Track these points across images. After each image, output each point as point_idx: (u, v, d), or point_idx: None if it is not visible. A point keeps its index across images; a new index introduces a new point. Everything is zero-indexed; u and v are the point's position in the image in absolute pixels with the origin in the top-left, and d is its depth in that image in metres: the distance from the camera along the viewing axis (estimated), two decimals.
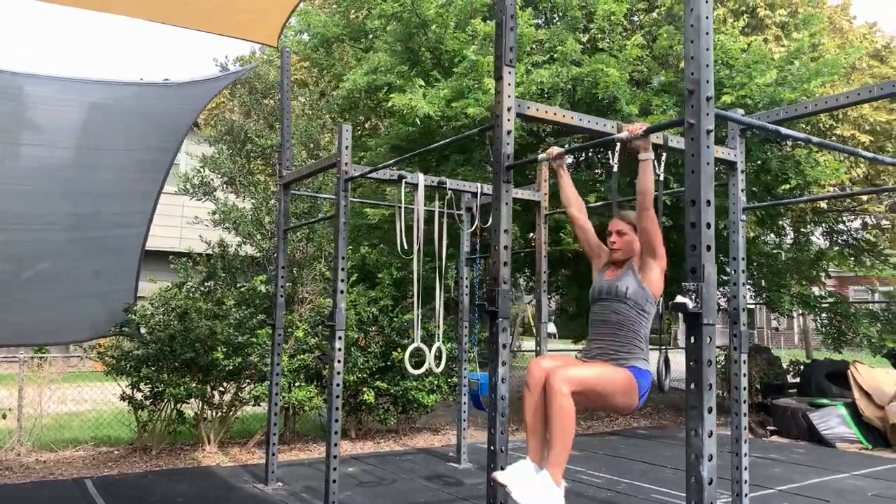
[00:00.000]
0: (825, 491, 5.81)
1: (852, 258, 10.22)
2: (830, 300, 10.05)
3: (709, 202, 2.48)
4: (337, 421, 4.78)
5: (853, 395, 8.49)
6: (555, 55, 7.23)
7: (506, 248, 3.33)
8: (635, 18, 8.65)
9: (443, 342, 5.27)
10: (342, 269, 4.89)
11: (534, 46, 7.52)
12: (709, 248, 2.46)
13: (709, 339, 2.43)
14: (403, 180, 5.17)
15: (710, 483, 2.38)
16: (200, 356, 6.70)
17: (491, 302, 3.34)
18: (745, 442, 4.32)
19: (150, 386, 6.71)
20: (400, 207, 5.17)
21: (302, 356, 7.16)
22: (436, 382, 7.92)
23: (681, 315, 2.49)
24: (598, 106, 7.39)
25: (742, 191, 4.48)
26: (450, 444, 7.77)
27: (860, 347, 9.83)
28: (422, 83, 7.04)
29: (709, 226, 2.47)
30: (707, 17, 2.55)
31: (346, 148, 4.99)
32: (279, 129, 7.66)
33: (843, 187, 8.52)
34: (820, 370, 10.09)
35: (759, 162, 7.61)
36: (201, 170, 7.60)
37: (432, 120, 6.98)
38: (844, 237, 10.46)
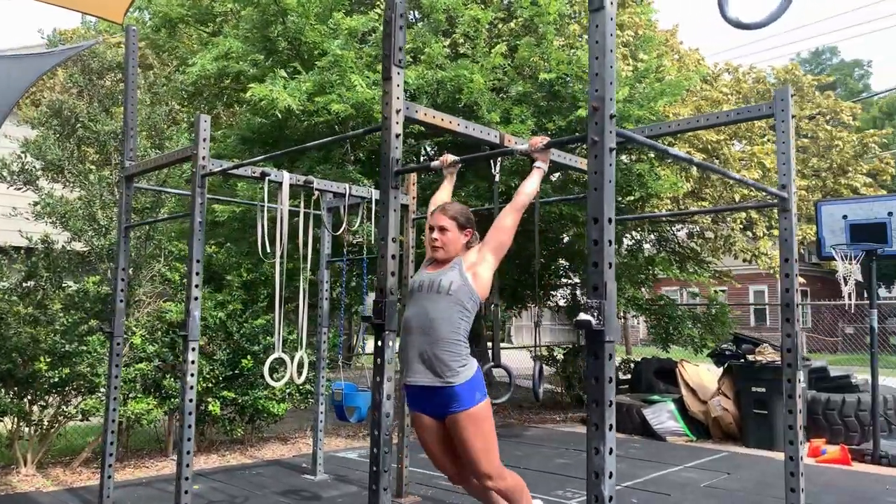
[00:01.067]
0: (665, 484, 6.21)
1: (677, 264, 11.10)
2: (661, 303, 10.86)
3: (610, 220, 2.49)
4: (190, 440, 4.37)
5: (680, 391, 9.21)
6: (420, 57, 7.16)
7: (393, 257, 3.18)
8: (490, 27, 8.78)
9: (304, 350, 5.02)
10: (197, 274, 4.47)
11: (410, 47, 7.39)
12: (610, 265, 2.47)
13: (609, 357, 2.44)
14: (267, 178, 4.83)
15: (610, 500, 2.39)
16: (18, 367, 5.90)
17: (378, 314, 3.18)
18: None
19: None
20: (262, 207, 4.85)
21: (139, 365, 6.53)
22: (287, 390, 7.57)
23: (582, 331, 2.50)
24: (459, 111, 7.42)
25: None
26: (301, 454, 7.46)
27: (685, 346, 10.70)
28: (284, 75, 6.67)
29: (610, 243, 2.48)
30: (611, 35, 2.55)
31: (205, 140, 4.58)
32: (116, 113, 6.95)
33: (678, 200, 9.23)
34: (649, 368, 10.91)
35: None
36: (22, 155, 6.68)
37: (293, 114, 6.63)
38: (671, 245, 11.35)
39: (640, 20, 9.08)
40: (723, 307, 10.59)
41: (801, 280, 10.65)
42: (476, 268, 3.10)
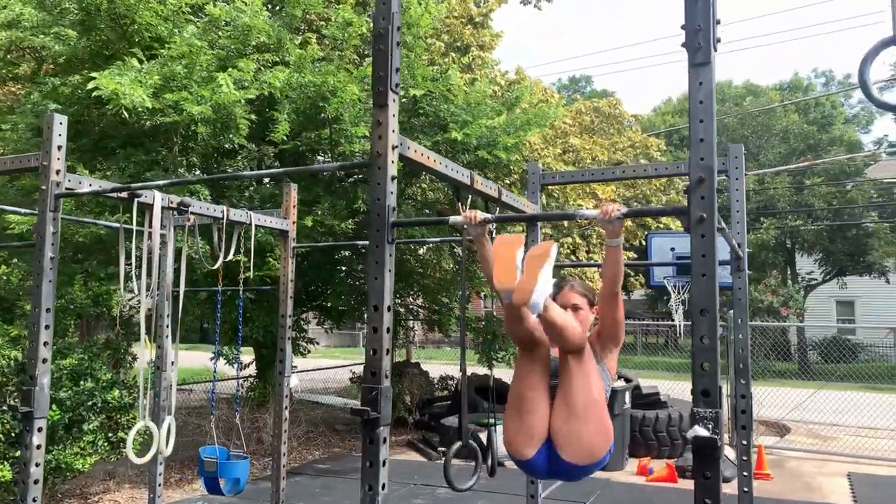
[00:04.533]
0: None
1: None
2: (485, 321, 10.90)
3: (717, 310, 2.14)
4: None
5: None
6: (288, 58, 6.25)
7: (388, 330, 2.54)
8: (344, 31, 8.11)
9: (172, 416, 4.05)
10: (47, 327, 3.33)
11: (264, 43, 6.37)
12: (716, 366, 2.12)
13: (720, 478, 2.09)
14: (137, 200, 3.79)
15: None
16: None
17: (371, 404, 2.50)
18: None
19: None
20: (130, 231, 3.82)
21: None
22: (97, 442, 6.24)
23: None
24: (320, 121, 6.68)
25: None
26: None
27: (509, 364, 10.84)
28: (136, 64, 5.34)
29: (717, 339, 2.13)
30: (714, 93, 2.21)
31: (60, 148, 3.46)
32: None
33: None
34: (470, 385, 10.90)
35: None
36: None
37: (134, 111, 5.33)
38: None
39: (493, 42, 8.99)
40: None
41: None
42: (604, 353, 3.03)
